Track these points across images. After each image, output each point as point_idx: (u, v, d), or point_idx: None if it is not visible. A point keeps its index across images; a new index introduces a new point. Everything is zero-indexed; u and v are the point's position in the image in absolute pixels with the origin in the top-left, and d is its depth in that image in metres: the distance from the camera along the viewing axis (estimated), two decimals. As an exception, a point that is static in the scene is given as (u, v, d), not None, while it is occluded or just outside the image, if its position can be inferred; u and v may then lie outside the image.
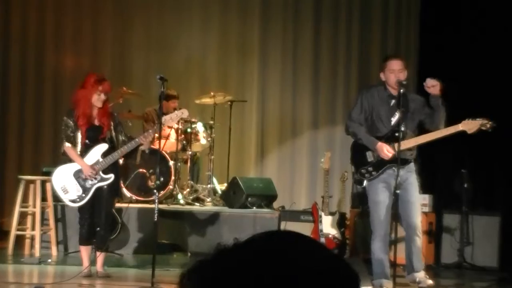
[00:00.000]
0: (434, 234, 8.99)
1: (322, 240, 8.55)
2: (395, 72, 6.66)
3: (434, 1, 10.57)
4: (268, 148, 11.41)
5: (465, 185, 8.96)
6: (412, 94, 7.12)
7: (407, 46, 11.18)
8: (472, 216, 8.94)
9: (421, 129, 6.92)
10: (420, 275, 6.77)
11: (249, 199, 9.52)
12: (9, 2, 11.33)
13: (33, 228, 8.74)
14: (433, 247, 9.09)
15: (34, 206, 8.69)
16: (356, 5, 11.38)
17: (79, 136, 7.24)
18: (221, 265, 1.22)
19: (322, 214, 8.72)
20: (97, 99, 7.18)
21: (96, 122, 7.27)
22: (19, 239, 8.78)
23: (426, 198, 9.06)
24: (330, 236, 8.68)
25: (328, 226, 8.72)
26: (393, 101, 6.73)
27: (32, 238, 8.75)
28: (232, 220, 9.22)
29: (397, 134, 6.64)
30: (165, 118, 7.30)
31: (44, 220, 8.86)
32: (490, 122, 6.65)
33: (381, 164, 6.73)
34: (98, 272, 7.40)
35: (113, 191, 7.44)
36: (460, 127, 6.64)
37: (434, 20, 10.51)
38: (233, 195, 9.64)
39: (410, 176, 6.81)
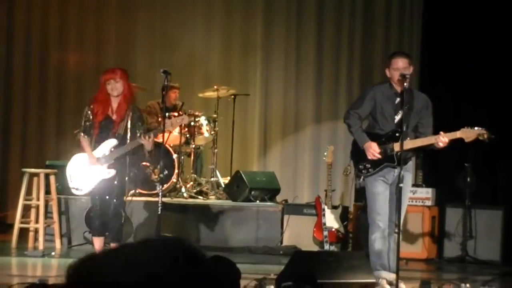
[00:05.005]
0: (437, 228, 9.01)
1: (325, 233, 8.57)
2: (399, 70, 6.61)
3: (437, 3, 10.52)
4: (271, 141, 11.41)
5: (468, 179, 8.98)
6: (418, 92, 7.06)
7: (410, 45, 11.11)
8: (475, 210, 8.96)
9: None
10: (394, 276, 6.67)
11: (253, 192, 9.53)
12: (13, 0, 11.33)
13: (36, 221, 8.76)
14: (436, 241, 9.11)
15: (38, 199, 8.71)
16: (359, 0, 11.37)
17: (93, 127, 7.36)
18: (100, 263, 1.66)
19: (325, 207, 8.73)
20: (110, 89, 7.31)
21: (113, 116, 7.36)
22: (23, 232, 8.80)
23: (429, 192, 9.08)
24: (333, 229, 8.69)
25: (331, 220, 8.73)
26: (398, 99, 6.68)
27: (36, 231, 8.77)
28: (235, 214, 9.24)
29: (397, 134, 6.62)
30: (166, 123, 7.35)
31: (47, 213, 8.88)
32: (487, 133, 6.59)
33: (379, 162, 6.69)
34: None
35: (120, 185, 7.46)
36: (458, 134, 6.59)
37: (437, 21, 10.46)
38: (236, 189, 9.65)
39: (407, 175, 6.76)
